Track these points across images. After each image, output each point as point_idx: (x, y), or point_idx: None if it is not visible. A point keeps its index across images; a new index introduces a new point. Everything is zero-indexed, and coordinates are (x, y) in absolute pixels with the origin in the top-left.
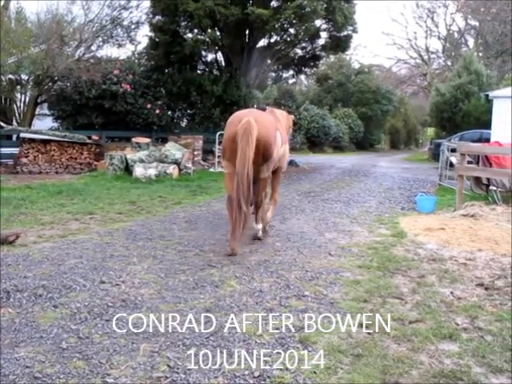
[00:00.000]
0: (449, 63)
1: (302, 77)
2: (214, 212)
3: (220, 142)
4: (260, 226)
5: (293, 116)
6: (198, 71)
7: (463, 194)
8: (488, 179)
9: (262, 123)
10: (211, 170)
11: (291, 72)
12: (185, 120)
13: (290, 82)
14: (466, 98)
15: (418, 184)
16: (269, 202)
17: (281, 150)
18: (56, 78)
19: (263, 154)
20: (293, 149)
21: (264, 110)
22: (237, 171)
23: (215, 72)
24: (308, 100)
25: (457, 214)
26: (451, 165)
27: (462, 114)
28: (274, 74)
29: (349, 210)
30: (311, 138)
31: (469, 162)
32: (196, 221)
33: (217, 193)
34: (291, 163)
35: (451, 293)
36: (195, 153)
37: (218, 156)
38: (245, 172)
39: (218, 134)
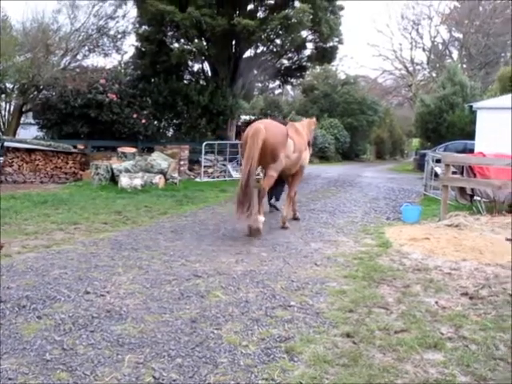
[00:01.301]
0: (433, 74)
1: (288, 87)
2: (199, 222)
3: (206, 152)
4: (262, 218)
5: (314, 119)
6: (185, 81)
7: (448, 204)
8: (472, 189)
9: (271, 130)
10: (197, 179)
11: (277, 82)
12: (171, 130)
13: (277, 92)
14: (451, 108)
15: (403, 194)
16: (286, 198)
17: (294, 155)
18: (41, 87)
19: (270, 155)
20: None
21: (284, 123)
22: (242, 164)
23: (201, 82)
24: (294, 110)
25: (441, 224)
26: (436, 175)
27: (447, 125)
28: (260, 85)
29: (334, 220)
30: None
31: (453, 173)
32: (182, 231)
33: (203, 202)
34: None
35: (436, 302)
36: (181, 163)
37: (205, 166)
38: (248, 164)
39: (205, 143)
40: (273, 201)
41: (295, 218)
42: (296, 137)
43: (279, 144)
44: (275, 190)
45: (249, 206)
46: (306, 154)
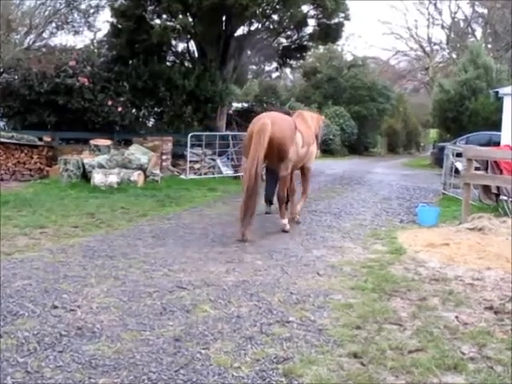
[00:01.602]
0: (454, 56)
1: (287, 70)
2: (184, 225)
3: (192, 145)
4: (285, 220)
5: (323, 117)
6: (167, 63)
7: (470, 204)
8: (498, 188)
9: (279, 125)
10: (182, 176)
11: (274, 65)
12: (152, 119)
13: (274, 76)
14: (473, 95)
15: (418, 193)
16: (301, 196)
17: (302, 150)
18: (1, 70)
19: (278, 153)
20: None
21: (288, 113)
22: (247, 165)
23: (187, 64)
24: (294, 97)
25: (463, 228)
26: (456, 171)
27: (469, 114)
28: (254, 67)
29: (340, 223)
30: None
31: (476, 169)
32: (164, 236)
33: (188, 203)
34: None
35: (456, 317)
36: (164, 157)
37: (190, 161)
38: (254, 166)
39: (190, 135)
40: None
41: (294, 221)
42: (304, 128)
43: (288, 139)
44: (269, 190)
45: (252, 214)
46: (314, 149)
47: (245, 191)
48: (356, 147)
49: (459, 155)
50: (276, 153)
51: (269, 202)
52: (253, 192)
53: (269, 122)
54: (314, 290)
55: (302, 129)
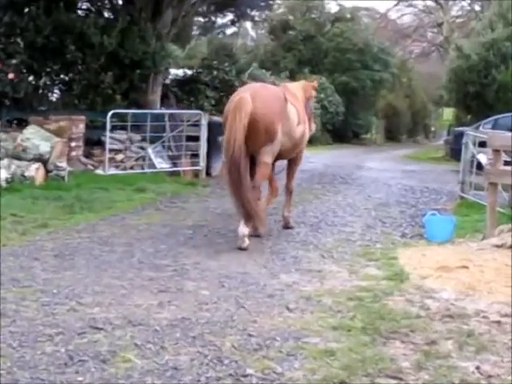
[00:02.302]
0: (476, 8)
1: (248, 25)
2: (101, 240)
3: (113, 128)
4: (246, 230)
5: (315, 83)
6: (79, 12)
7: (497, 212)
8: None
9: (262, 98)
10: (99, 171)
11: (230, 17)
12: (56, 90)
13: (229, 32)
14: (503, 62)
15: (427, 197)
16: (284, 194)
17: (298, 129)
18: None
19: (265, 132)
20: None
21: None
22: (224, 153)
23: (107, 14)
24: (256, 62)
25: (487, 245)
26: (479, 167)
27: (497, 88)
28: (202, 20)
29: (319, 238)
30: None
31: (506, 163)
32: (72, 255)
33: (107, 209)
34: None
35: (477, 368)
36: (73, 144)
37: (110, 150)
38: (229, 151)
39: (111, 113)
40: None
41: (287, 227)
42: (296, 102)
43: (276, 116)
44: None
45: (255, 211)
46: (307, 129)
47: (228, 187)
48: (342, 132)
49: (483, 144)
50: (262, 134)
51: None
52: (239, 185)
53: (247, 96)
54: (281, 331)
55: (294, 102)
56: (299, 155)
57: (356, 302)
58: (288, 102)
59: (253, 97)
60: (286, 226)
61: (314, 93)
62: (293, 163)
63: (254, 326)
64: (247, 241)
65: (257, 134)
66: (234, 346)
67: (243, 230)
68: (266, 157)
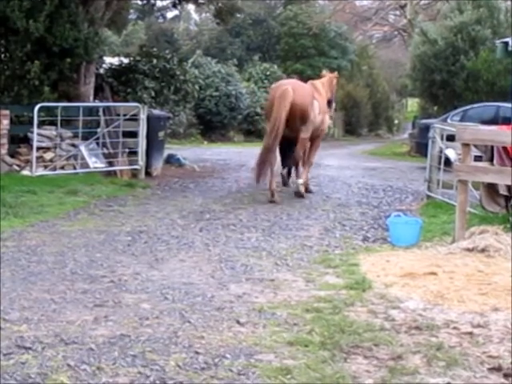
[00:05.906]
0: None
1: (190, 7)
2: (29, 249)
3: (41, 123)
4: (301, 180)
5: (335, 74)
6: None
7: (468, 213)
8: (509, 187)
9: (300, 92)
10: (25, 172)
11: None
12: None
13: (169, 16)
14: (472, 47)
15: (391, 196)
16: (305, 165)
17: (318, 117)
18: None
19: (301, 117)
20: (174, 135)
21: (302, 80)
22: (269, 126)
23: None
24: (200, 49)
25: (457, 248)
26: (447, 163)
27: (466, 76)
28: (139, 3)
29: (272, 244)
30: (205, 117)
31: (477, 159)
32: None
33: (35, 215)
34: (170, 161)
35: None
36: None
37: (38, 148)
38: (275, 125)
39: (38, 107)
40: (284, 171)
41: (307, 191)
42: (319, 97)
43: (308, 105)
44: (286, 158)
45: (271, 167)
46: (327, 117)
47: (263, 147)
48: None
49: (451, 138)
50: (298, 117)
51: (288, 173)
52: (271, 149)
53: (290, 89)
54: (231, 348)
55: (317, 97)
56: (319, 137)
57: (314, 314)
58: (314, 98)
59: (293, 90)
60: (307, 191)
61: (335, 81)
62: (314, 142)
63: (201, 342)
64: (303, 188)
65: (295, 117)
66: (179, 366)
67: (300, 180)
68: (303, 134)
